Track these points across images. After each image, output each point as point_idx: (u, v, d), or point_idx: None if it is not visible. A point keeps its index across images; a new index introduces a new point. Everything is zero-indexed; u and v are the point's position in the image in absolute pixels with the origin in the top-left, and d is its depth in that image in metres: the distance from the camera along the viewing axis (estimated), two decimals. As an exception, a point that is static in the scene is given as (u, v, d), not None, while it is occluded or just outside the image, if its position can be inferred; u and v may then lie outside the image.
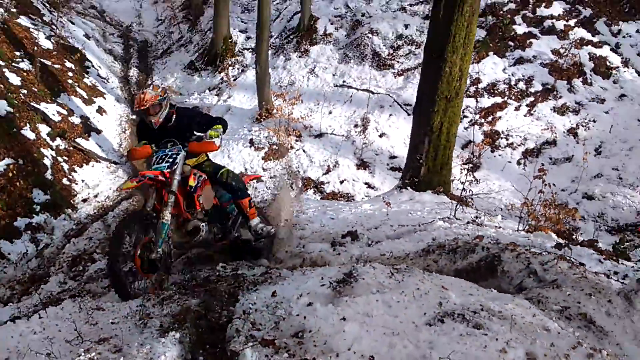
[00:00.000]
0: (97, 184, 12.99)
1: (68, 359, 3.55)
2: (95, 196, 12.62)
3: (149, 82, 18.51)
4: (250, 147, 15.95)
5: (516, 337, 3.31)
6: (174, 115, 6.12)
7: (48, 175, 11.89)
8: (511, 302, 3.81)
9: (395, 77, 17.47)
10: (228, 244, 6.90)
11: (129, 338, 3.88)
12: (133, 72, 18.63)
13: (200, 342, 3.98)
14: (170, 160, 5.69)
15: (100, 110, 15.20)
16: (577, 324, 3.81)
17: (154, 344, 3.65)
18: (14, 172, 11.18)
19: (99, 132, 14.47)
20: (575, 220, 10.02)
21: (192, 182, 5.93)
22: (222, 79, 18.92)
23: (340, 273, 4.56)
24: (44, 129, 12.67)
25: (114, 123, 15.41)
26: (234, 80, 18.81)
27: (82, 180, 12.81)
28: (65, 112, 13.74)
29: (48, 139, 12.60)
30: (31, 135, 12.16)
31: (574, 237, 7.49)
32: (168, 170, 5.62)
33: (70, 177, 12.59)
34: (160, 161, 5.73)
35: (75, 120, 13.98)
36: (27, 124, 12.24)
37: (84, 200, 12.36)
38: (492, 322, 3.47)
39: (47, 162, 12.10)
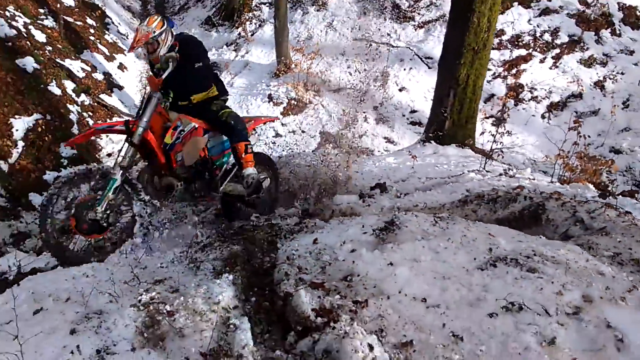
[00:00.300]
0: (121, 138, 13.00)
1: (130, 298, 3.67)
2: (120, 150, 12.68)
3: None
4: (268, 102, 15.86)
5: (571, 280, 3.34)
6: (177, 48, 5.45)
7: (74, 130, 11.94)
8: (563, 247, 3.83)
9: (415, 29, 17.14)
10: (211, 201, 6.46)
11: (184, 280, 4.02)
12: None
13: (249, 285, 4.12)
14: (144, 105, 5.12)
15: (121, 67, 15.15)
16: (629, 269, 3.82)
17: (209, 285, 3.77)
18: (43, 127, 11.26)
19: (120, 88, 14.45)
20: (612, 173, 9.92)
21: (168, 139, 5.33)
22: (239, 34, 18.68)
23: (381, 221, 4.59)
24: (69, 85, 12.67)
25: (135, 79, 15.35)
26: (252, 35, 18.57)
27: (107, 135, 12.86)
28: (88, 69, 13.72)
29: (73, 95, 12.61)
30: (57, 92, 12.18)
31: (609, 189, 7.43)
32: (136, 119, 5.07)
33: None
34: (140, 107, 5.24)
35: (99, 76, 13.95)
36: (53, 80, 12.24)
37: (109, 155, 12.44)
38: (546, 266, 3.50)
39: (73, 117, 12.14)
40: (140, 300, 3.57)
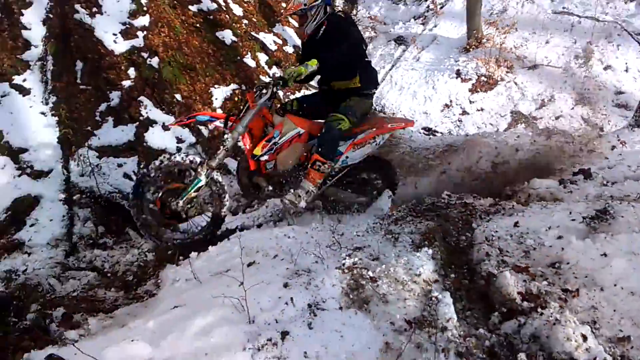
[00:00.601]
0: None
1: (334, 261, 3.90)
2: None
3: (354, 11, 18.47)
4: (456, 78, 15.21)
5: None
6: (323, 27, 5.22)
7: (267, 100, 12.53)
8: None
9: (625, 2, 15.27)
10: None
11: (383, 249, 4.21)
12: (338, 2, 18.69)
13: (448, 261, 4.15)
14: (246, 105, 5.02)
15: (312, 41, 15.55)
16: None
17: (409, 257, 3.87)
18: (239, 96, 11.98)
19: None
20: None
21: (257, 151, 5.19)
22: (428, 7, 18.17)
23: (591, 209, 4.38)
24: (262, 58, 13.33)
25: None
26: (441, 8, 17.94)
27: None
28: (280, 42, 14.29)
29: (266, 67, 13.23)
30: (252, 64, 12.86)
31: None
32: (234, 117, 5.05)
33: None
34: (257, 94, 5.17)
35: (289, 49, 14.47)
36: (249, 53, 12.95)
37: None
38: None
39: (266, 88, 12.74)
40: (344, 264, 3.80)
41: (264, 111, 5.26)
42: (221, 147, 5.16)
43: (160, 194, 5.13)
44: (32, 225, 8.78)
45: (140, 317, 3.61)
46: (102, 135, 10.20)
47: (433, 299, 3.44)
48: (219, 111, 11.63)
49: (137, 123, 10.51)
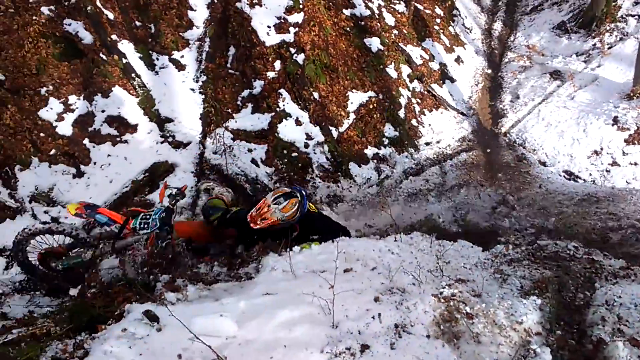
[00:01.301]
0: (442, 130, 13.31)
1: (432, 287, 3.82)
2: (438, 142, 12.97)
3: (512, 37, 17.94)
4: (612, 125, 14.17)
5: None
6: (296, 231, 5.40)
7: (401, 113, 12.64)
8: None
9: None
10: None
11: (487, 287, 4.03)
12: (497, 26, 18.23)
13: (556, 315, 3.89)
14: (143, 225, 5.70)
15: (458, 60, 15.38)
16: None
17: (514, 302, 3.71)
18: (374, 104, 12.21)
19: (453, 80, 14.70)
20: None
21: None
22: (594, 44, 17.08)
23: None
24: (405, 70, 13.44)
25: (469, 74, 15.45)
26: (609, 48, 16.80)
27: (429, 125, 13.29)
28: (426, 57, 14.30)
29: (407, 80, 13.33)
30: (393, 74, 13.02)
31: None
32: (132, 227, 5.73)
33: (419, 119, 13.17)
34: (143, 222, 5.73)
35: (434, 66, 14.44)
36: (392, 63, 13.12)
37: (427, 144, 12.83)
38: None
39: (402, 101, 12.84)
40: (441, 293, 3.71)
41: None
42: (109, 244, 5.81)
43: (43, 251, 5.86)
44: (163, 189, 9.64)
45: (235, 295, 3.82)
46: (240, 120, 10.91)
47: (531, 351, 3.28)
48: (352, 115, 11.91)
49: (273, 113, 11.09)
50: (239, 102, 11.15)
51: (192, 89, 10.79)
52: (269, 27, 11.61)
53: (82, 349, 3.19)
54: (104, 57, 10.10)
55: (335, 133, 11.57)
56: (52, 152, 9.26)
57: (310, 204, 5.60)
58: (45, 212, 8.82)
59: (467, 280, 4.20)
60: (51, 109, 9.45)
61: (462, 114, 14.02)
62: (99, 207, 6.04)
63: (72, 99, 9.73)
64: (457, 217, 8.80)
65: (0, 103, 8.98)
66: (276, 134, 10.92)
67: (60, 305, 4.58)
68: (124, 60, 10.30)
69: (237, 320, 3.30)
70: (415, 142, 12.68)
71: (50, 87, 9.55)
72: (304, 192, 5.47)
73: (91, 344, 3.19)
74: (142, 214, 5.86)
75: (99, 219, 5.84)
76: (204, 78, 10.91)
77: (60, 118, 9.47)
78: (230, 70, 11.32)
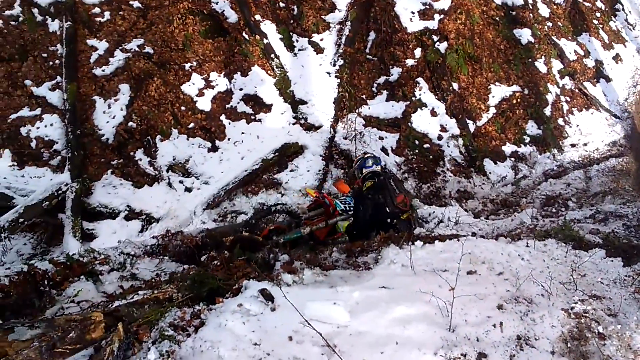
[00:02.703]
0: (591, 132, 11.90)
1: (562, 301, 3.39)
2: (585, 144, 11.61)
3: None
4: None
5: None
6: None
7: (547, 111, 11.46)
8: None
9: None
10: None
11: (626, 308, 3.36)
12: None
13: None
14: (348, 208, 6.67)
15: (616, 58, 13.69)
16: None
17: None
18: (518, 100, 11.16)
19: (608, 80, 13.10)
20: None
21: (340, 237, 6.67)
22: None
23: None
24: (556, 65, 12.16)
25: (627, 74, 13.70)
26: None
27: (577, 125, 11.94)
28: (581, 53, 12.86)
29: (557, 76, 12.06)
30: (543, 69, 11.83)
31: None
32: (339, 210, 6.67)
33: (567, 118, 11.87)
34: (343, 202, 6.77)
35: (589, 63, 12.94)
36: (542, 57, 11.92)
37: (572, 145, 11.53)
38: None
39: (550, 98, 11.64)
40: (572, 308, 3.24)
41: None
42: (324, 222, 6.63)
43: (271, 226, 6.79)
44: (291, 170, 9.44)
45: (350, 284, 3.52)
46: (373, 106, 10.43)
47: (667, 383, 2.77)
48: (492, 109, 10.97)
49: (408, 102, 10.49)
50: (374, 89, 10.68)
51: (328, 73, 10.48)
52: (412, 12, 10.97)
53: (199, 318, 3.19)
54: (247, 36, 10.09)
55: (472, 127, 10.72)
56: (191, 125, 9.42)
57: (368, 182, 6.22)
58: (180, 181, 8.99)
59: (602, 297, 3.56)
60: (193, 84, 9.61)
61: (616, 116, 12.43)
62: (323, 192, 7.42)
63: (213, 75, 9.83)
64: (599, 227, 7.68)
65: (147, 75, 9.27)
66: (409, 124, 10.31)
67: (185, 273, 4.48)
68: (265, 41, 10.22)
69: (351, 310, 3.09)
70: (560, 142, 11.43)
71: (194, 63, 9.72)
72: (373, 159, 6.56)
73: (207, 315, 3.19)
74: (338, 199, 6.89)
75: (325, 200, 6.78)
76: (341, 62, 10.54)
77: (200, 93, 9.60)
78: (368, 56, 10.86)
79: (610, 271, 4.08)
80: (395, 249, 4.25)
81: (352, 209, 6.56)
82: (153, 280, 4.99)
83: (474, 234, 5.81)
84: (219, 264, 4.30)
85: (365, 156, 6.57)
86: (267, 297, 3.20)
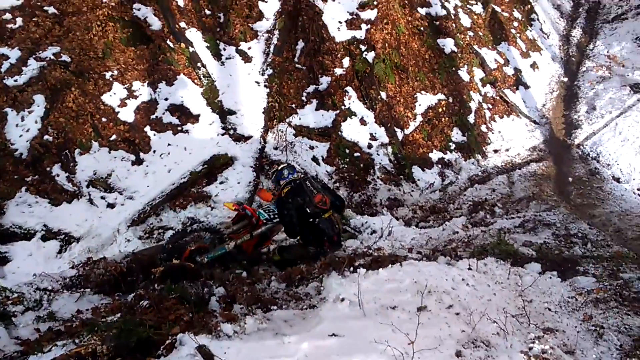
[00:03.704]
0: (512, 138, 12.19)
1: (519, 340, 3.18)
2: (507, 150, 11.88)
3: (591, 46, 16.45)
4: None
5: None
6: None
7: (470, 118, 11.64)
8: None
9: None
10: None
11: (581, 343, 3.21)
12: (576, 33, 16.75)
13: None
14: (271, 216, 6.49)
15: (533, 66, 14.13)
16: None
17: None
18: (443, 107, 11.25)
19: (527, 87, 13.50)
20: None
21: (267, 246, 6.93)
22: (682, 57, 15.51)
23: None
24: (478, 73, 12.39)
25: (544, 81, 14.16)
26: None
27: (499, 131, 12.20)
28: (501, 61, 13.18)
29: (479, 84, 12.28)
30: (466, 77, 12.01)
31: None
32: (263, 219, 6.47)
33: (489, 125, 12.11)
34: (267, 211, 6.56)
35: (508, 71, 13.29)
36: (465, 66, 12.11)
37: (495, 151, 11.77)
38: None
39: (473, 105, 11.83)
40: (531, 349, 3.07)
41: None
42: (248, 235, 6.45)
43: (192, 247, 6.37)
44: (221, 182, 9.03)
45: (297, 331, 3.17)
46: (303, 116, 10.18)
47: None
48: (419, 118, 11.00)
49: (338, 111, 10.32)
50: (303, 98, 10.43)
51: (257, 82, 10.14)
52: (340, 22, 10.83)
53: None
54: (171, 44, 9.58)
55: (400, 135, 10.70)
56: (113, 137, 8.82)
57: (285, 188, 6.38)
58: (102, 197, 8.39)
59: (556, 330, 3.46)
60: (114, 94, 9.01)
61: (535, 122, 12.81)
62: (244, 204, 7.13)
63: (137, 85, 9.26)
64: (530, 237, 7.78)
65: (65, 85, 8.59)
66: (339, 133, 10.15)
67: (110, 321, 3.93)
68: (191, 49, 9.76)
69: None
70: (483, 148, 11.63)
71: (115, 72, 9.11)
72: (288, 169, 6.68)
73: None
74: (262, 208, 6.68)
75: (246, 212, 6.58)
76: (270, 71, 10.23)
77: (123, 104, 9.01)
78: (297, 65, 10.61)
79: (552, 292, 4.01)
80: (338, 279, 4.00)
81: (276, 216, 6.44)
82: (73, 323, 4.47)
83: (410, 250, 5.66)
84: (148, 305, 3.87)
85: (280, 167, 6.64)
86: (206, 356, 2.84)
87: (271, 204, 6.68)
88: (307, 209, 6.23)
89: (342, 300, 3.52)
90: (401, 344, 2.76)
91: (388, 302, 3.44)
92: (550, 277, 4.49)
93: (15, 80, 8.52)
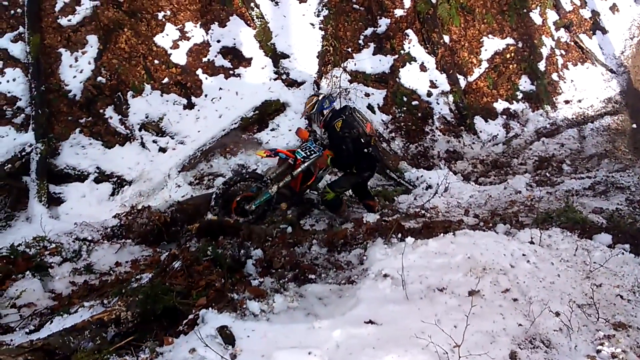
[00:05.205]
0: (585, 88, 11.06)
1: (585, 338, 2.56)
2: (579, 101, 10.80)
3: None
4: None
5: None
6: (325, 131, 6.39)
7: (541, 65, 10.59)
8: None
9: None
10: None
11: None
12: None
13: None
14: (308, 153, 6.36)
15: (613, 8, 12.64)
16: None
17: None
18: (511, 53, 10.26)
19: (604, 32, 12.12)
20: None
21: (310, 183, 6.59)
22: None
23: None
24: (551, 16, 11.20)
25: (624, 26, 12.68)
26: None
27: (571, 80, 11.09)
28: (577, 3, 11.84)
29: (552, 28, 11.11)
30: (538, 20, 10.89)
31: None
32: (301, 158, 6.34)
33: (561, 73, 11.02)
34: (303, 149, 6.42)
35: (585, 13, 11.94)
36: (538, 7, 10.96)
37: (566, 102, 10.73)
38: None
39: (544, 51, 10.75)
40: (598, 352, 2.49)
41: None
42: (289, 176, 6.32)
43: (238, 197, 6.23)
44: (272, 129, 8.61)
45: (330, 312, 2.74)
46: (359, 61, 9.46)
47: None
48: (485, 64, 10.09)
49: (397, 56, 9.56)
50: (360, 41, 9.69)
51: (311, 24, 9.47)
52: (402, -42, 9.88)
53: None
54: (225, -18, 9.02)
55: (463, 82, 9.86)
56: (165, 80, 8.50)
57: (338, 122, 6.05)
58: (154, 141, 8.16)
59: (629, 326, 2.81)
60: (167, 35, 8.61)
61: (612, 71, 11.55)
62: (277, 149, 6.77)
63: (189, 26, 8.82)
64: (601, 202, 6.96)
65: (117, 26, 8.26)
66: (397, 79, 9.43)
67: (136, 287, 3.61)
68: (245, -12, 9.16)
69: None
70: (554, 99, 10.62)
71: (168, 12, 8.68)
72: (328, 99, 6.34)
73: None
74: (300, 147, 6.53)
75: (280, 155, 6.40)
76: (325, 12, 9.50)
77: (175, 45, 8.62)
78: (354, 5, 9.81)
79: (625, 273, 3.37)
80: (383, 248, 3.52)
81: (313, 153, 6.36)
82: (109, 278, 4.22)
83: (467, 212, 5.10)
84: (179, 267, 3.53)
85: (320, 98, 6.35)
86: (227, 338, 2.51)
87: (308, 142, 6.54)
88: (362, 139, 6.11)
89: (385, 276, 3.05)
90: (446, 339, 2.29)
91: (436, 282, 2.94)
92: (623, 253, 3.83)
93: (69, 20, 8.26)
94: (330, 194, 6.28)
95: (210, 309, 2.81)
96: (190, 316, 2.84)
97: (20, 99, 7.87)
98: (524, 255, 3.33)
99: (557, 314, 2.67)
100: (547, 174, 8.41)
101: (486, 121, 9.80)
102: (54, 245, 4.49)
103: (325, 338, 2.49)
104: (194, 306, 2.99)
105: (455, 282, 2.71)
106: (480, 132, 9.63)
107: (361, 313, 2.70)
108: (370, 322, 2.63)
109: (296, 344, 2.43)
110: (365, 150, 6.21)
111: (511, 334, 2.54)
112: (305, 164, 6.33)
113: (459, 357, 2.26)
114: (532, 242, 3.62)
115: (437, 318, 2.52)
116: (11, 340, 3.10)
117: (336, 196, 6.33)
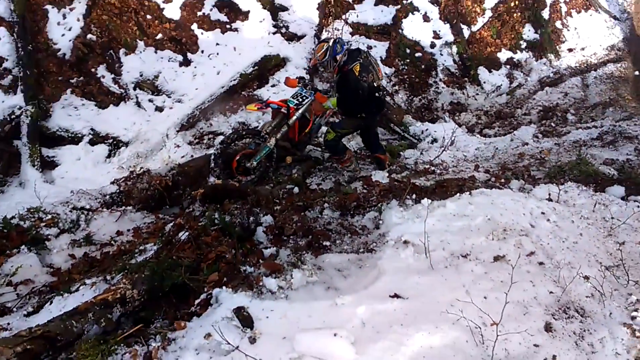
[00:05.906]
0: (589, 36, 10.55)
1: (618, 305, 2.35)
2: (583, 49, 10.32)
3: None
4: None
5: None
6: (338, 75, 5.96)
7: (544, 13, 10.05)
8: None
9: None
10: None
11: None
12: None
13: None
14: (300, 100, 6.19)
15: (616, -47, 12.01)
16: None
17: None
18: (515, 1, 9.72)
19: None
20: None
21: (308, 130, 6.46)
22: None
23: None
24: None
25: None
26: None
27: (575, 28, 10.56)
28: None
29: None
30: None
31: None
32: (293, 106, 6.16)
33: (565, 21, 10.48)
34: (294, 97, 6.25)
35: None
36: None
37: (570, 50, 10.24)
38: None
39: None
40: (634, 318, 2.30)
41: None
42: (285, 126, 6.13)
43: (238, 156, 6.03)
44: (273, 85, 8.13)
45: (352, 284, 2.46)
46: (361, 12, 8.91)
47: None
48: (489, 13, 9.54)
49: (399, 6, 9.02)
50: (362, -9, 9.10)
51: (310, -27, 8.85)
52: None
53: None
54: None
55: (466, 33, 9.35)
56: (159, 36, 7.95)
57: (356, 66, 5.69)
58: (150, 100, 7.67)
59: None
60: (159, -13, 7.99)
61: (615, 17, 11.00)
62: (268, 99, 6.73)
63: (182, -23, 8.18)
64: (611, 152, 6.63)
65: (106, -22, 7.63)
66: (400, 30, 8.90)
67: (142, 261, 3.22)
68: None
69: (355, 340, 2.11)
70: (557, 47, 10.12)
71: (159, -38, 8.03)
72: (339, 43, 5.85)
73: (164, 357, 2.22)
74: (291, 96, 6.30)
75: (272, 106, 6.23)
76: (325, -41, 8.87)
77: (167, -1, 8.01)
78: (355, -47, 9.17)
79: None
80: (399, 211, 3.15)
81: (305, 98, 6.20)
82: (110, 249, 3.91)
83: (477, 167, 4.70)
84: (186, 239, 3.15)
85: (331, 43, 5.89)
86: (245, 321, 2.23)
87: (298, 88, 6.39)
88: (375, 84, 5.89)
89: (405, 243, 2.74)
90: (477, 312, 2.11)
91: (458, 247, 2.66)
92: (639, 206, 3.54)
93: (54, -26, 7.61)
94: (331, 133, 6.11)
95: (224, 287, 2.56)
96: (203, 296, 2.55)
97: (7, 60, 7.32)
98: (543, 213, 3.05)
99: (587, 278, 2.41)
100: (552, 124, 8.06)
101: (490, 72, 9.35)
102: (49, 216, 4.09)
103: (349, 316, 2.26)
104: (205, 282, 2.64)
105: (478, 246, 2.42)
106: (484, 82, 9.19)
107: (385, 286, 2.46)
108: (396, 295, 2.39)
109: (319, 324, 2.20)
110: (377, 94, 6.03)
111: (543, 302, 2.30)
112: (300, 111, 6.17)
113: (497, 335, 1.94)
114: (549, 199, 3.29)
115: (465, 289, 2.26)
116: (8, 324, 2.74)
117: (337, 137, 6.13)
